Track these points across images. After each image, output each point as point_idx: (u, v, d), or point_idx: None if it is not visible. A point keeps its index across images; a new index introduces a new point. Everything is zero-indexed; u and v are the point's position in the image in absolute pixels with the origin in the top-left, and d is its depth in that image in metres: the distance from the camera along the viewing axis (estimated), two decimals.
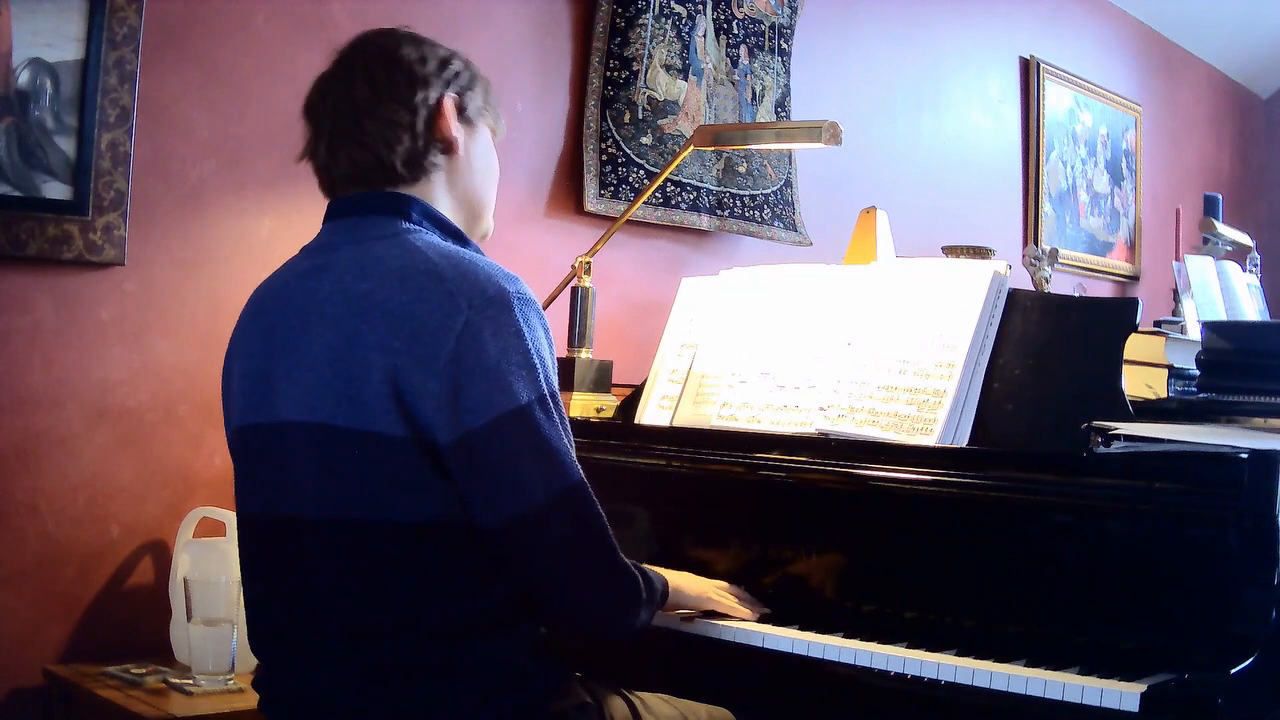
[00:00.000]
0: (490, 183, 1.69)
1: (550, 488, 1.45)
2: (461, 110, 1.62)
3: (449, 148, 1.60)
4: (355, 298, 1.47)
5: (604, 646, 1.83)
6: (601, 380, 2.48)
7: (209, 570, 2.04)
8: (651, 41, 3.05)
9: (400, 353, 1.42)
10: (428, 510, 1.44)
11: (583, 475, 1.50)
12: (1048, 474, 1.73)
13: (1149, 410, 1.99)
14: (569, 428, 1.52)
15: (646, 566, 1.68)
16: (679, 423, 2.16)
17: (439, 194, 1.61)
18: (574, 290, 2.52)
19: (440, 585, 1.46)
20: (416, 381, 1.41)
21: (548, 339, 1.51)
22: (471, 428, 1.41)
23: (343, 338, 1.46)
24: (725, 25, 3.26)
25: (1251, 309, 3.36)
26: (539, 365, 1.46)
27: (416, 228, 1.55)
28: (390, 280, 1.46)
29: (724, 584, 1.87)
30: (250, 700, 1.92)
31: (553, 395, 1.48)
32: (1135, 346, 1.95)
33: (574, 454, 1.50)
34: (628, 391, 2.34)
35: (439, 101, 1.59)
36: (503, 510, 1.44)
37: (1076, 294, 2.82)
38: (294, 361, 1.50)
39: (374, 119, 1.55)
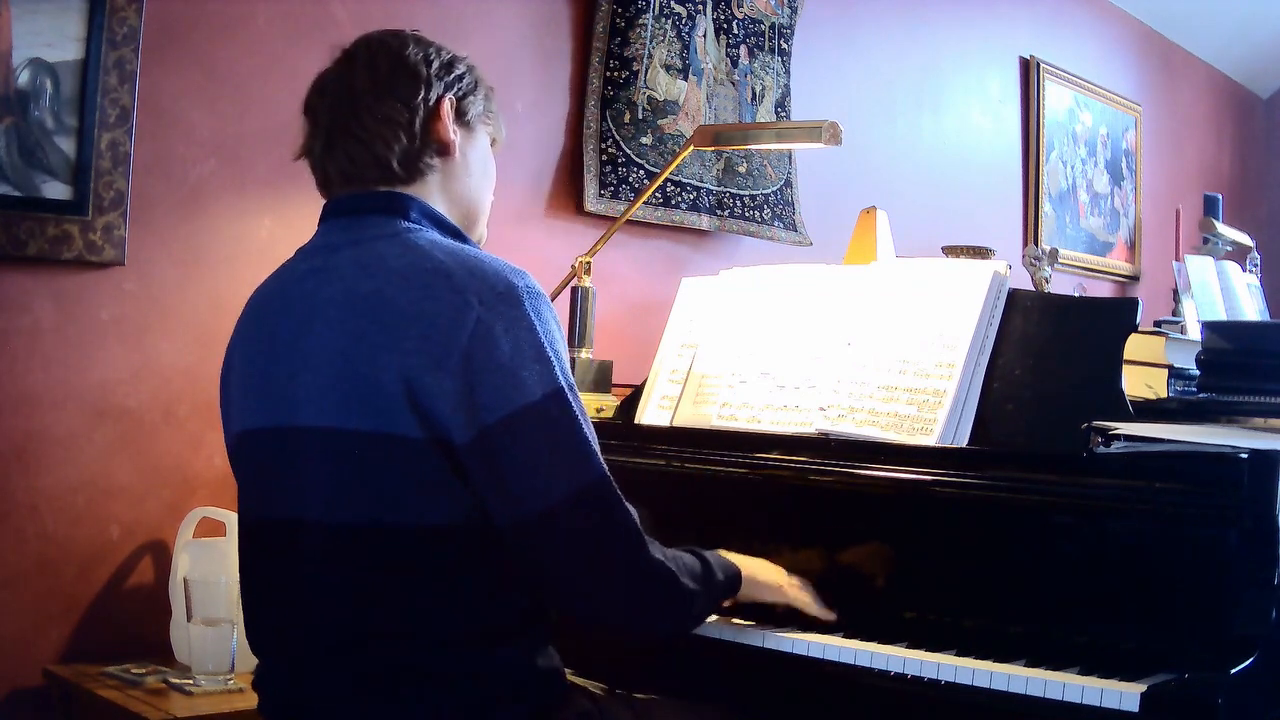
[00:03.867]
0: (486, 189, 1.68)
1: (570, 483, 1.42)
2: (461, 114, 1.62)
3: (444, 150, 1.59)
4: (361, 298, 1.46)
5: (607, 646, 1.83)
6: (601, 380, 2.48)
7: (209, 570, 2.04)
8: (651, 41, 3.05)
9: (412, 353, 1.40)
10: (442, 514, 1.43)
11: (605, 469, 1.46)
12: (1048, 474, 1.73)
13: (1149, 410, 1.99)
14: (589, 420, 1.48)
15: (719, 553, 1.66)
16: (679, 423, 2.16)
17: (434, 195, 1.60)
18: (574, 290, 2.52)
19: (445, 593, 1.44)
20: (430, 382, 1.39)
21: (559, 331, 1.49)
22: (486, 425, 1.39)
23: (350, 339, 1.45)
24: (725, 25, 3.26)
25: (1251, 309, 3.35)
26: (553, 359, 1.44)
27: (416, 226, 1.54)
28: (395, 279, 1.45)
29: (797, 580, 1.82)
30: (250, 700, 1.92)
31: (570, 387, 1.45)
32: (1135, 346, 1.95)
33: (596, 446, 1.47)
34: (628, 391, 2.34)
35: (438, 102, 1.58)
36: (520, 508, 1.41)
37: (1076, 294, 2.82)
38: (300, 365, 1.49)
39: (372, 115, 1.55)
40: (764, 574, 1.77)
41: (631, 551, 1.47)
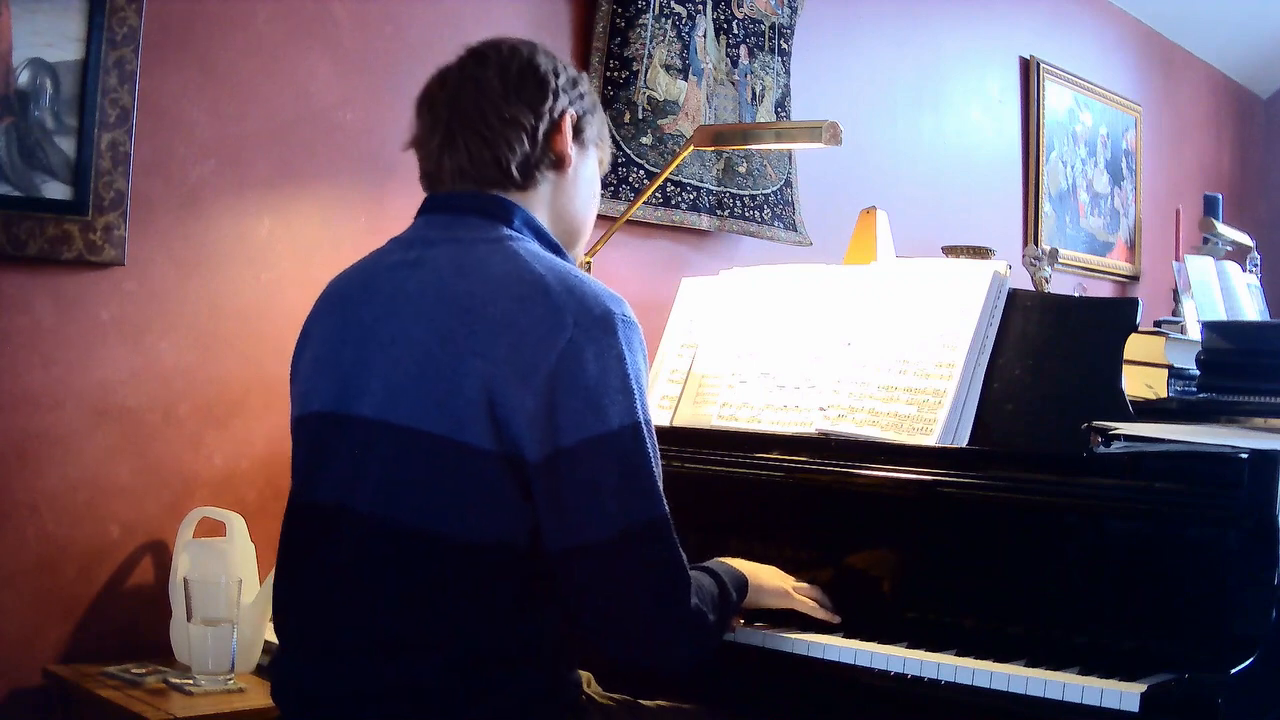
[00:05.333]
0: (591, 208, 1.69)
1: (631, 518, 1.41)
2: (579, 131, 1.63)
3: (560, 163, 1.60)
4: (453, 297, 1.45)
5: None
6: None
7: (209, 570, 2.04)
8: (651, 41, 3.05)
9: (500, 362, 1.39)
10: (495, 530, 1.41)
11: (667, 510, 1.45)
12: (1048, 474, 1.74)
13: (1149, 410, 1.99)
14: (659, 458, 1.47)
15: (727, 564, 1.67)
16: (679, 423, 2.17)
17: (540, 207, 1.59)
18: None
19: (481, 608, 1.43)
20: (513, 395, 1.38)
21: (645, 365, 1.48)
22: (561, 447, 1.38)
23: (437, 337, 1.43)
24: (725, 25, 3.26)
25: (1251, 309, 3.36)
26: (636, 391, 1.43)
27: (518, 235, 1.53)
28: (493, 284, 1.44)
29: (802, 584, 1.83)
30: (250, 700, 1.92)
31: (646, 423, 1.44)
32: (1135, 346, 1.95)
33: (661, 485, 1.46)
34: None
35: (562, 115, 1.59)
36: (577, 535, 1.40)
37: (1076, 294, 2.82)
38: (378, 353, 1.48)
39: (500, 115, 1.55)
40: (769, 580, 1.78)
41: (675, 594, 1.46)
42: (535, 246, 1.52)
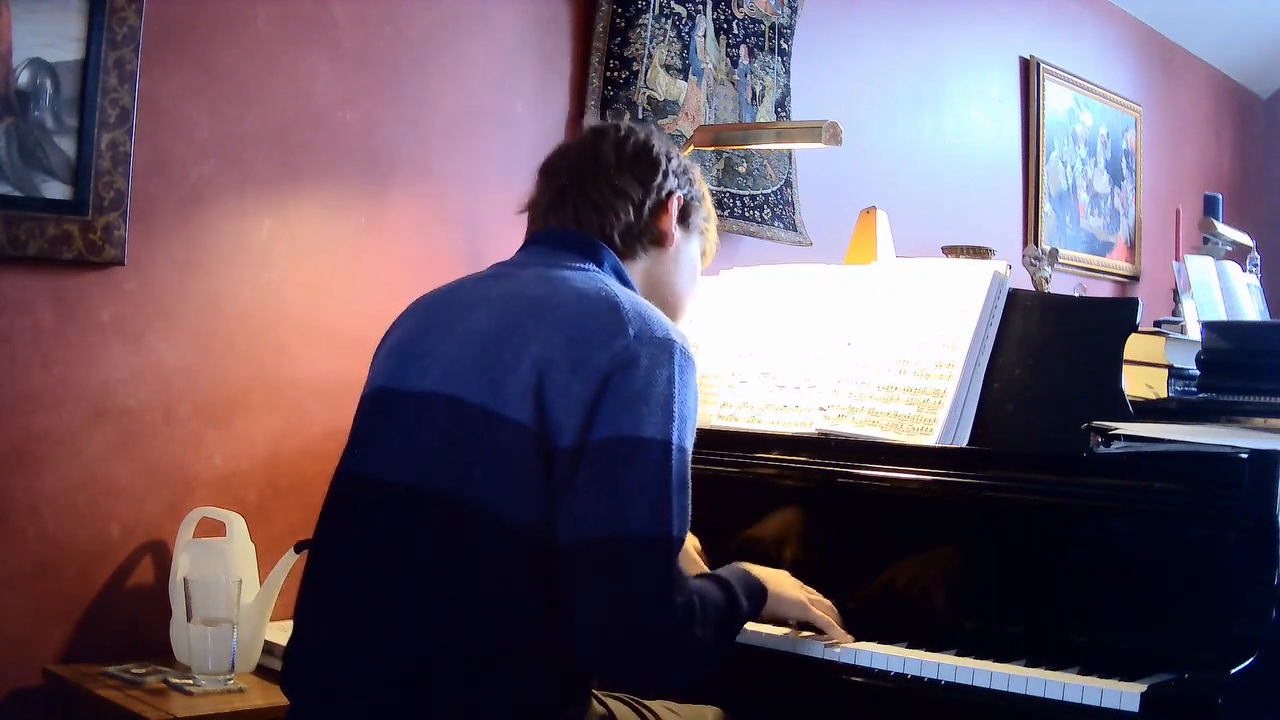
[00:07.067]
0: (688, 290, 1.76)
1: (635, 525, 1.40)
2: (685, 214, 1.72)
3: (662, 240, 1.69)
4: (528, 299, 1.52)
5: None
6: None
7: (209, 570, 2.04)
8: (651, 41, 3.05)
9: (556, 350, 1.45)
10: (521, 510, 1.43)
11: (677, 533, 1.43)
12: (1048, 474, 1.74)
13: (1149, 410, 1.99)
14: (688, 495, 1.46)
15: (746, 570, 1.66)
16: None
17: (636, 275, 1.67)
18: None
19: (504, 592, 1.43)
20: (561, 380, 1.43)
21: (694, 402, 1.50)
22: (588, 439, 1.41)
23: (503, 325, 1.50)
24: (725, 25, 3.26)
25: (1251, 309, 3.35)
26: (675, 416, 1.45)
27: (605, 274, 1.61)
28: (568, 294, 1.51)
29: (822, 600, 1.81)
30: (251, 700, 1.92)
31: (680, 450, 1.45)
32: (1135, 346, 1.95)
33: (681, 514, 1.44)
34: None
35: (669, 196, 1.69)
36: (584, 528, 1.40)
37: (1076, 294, 2.82)
38: (448, 338, 1.54)
39: (610, 185, 1.65)
40: (789, 591, 1.76)
41: (659, 614, 1.41)
42: (618, 285, 1.59)
